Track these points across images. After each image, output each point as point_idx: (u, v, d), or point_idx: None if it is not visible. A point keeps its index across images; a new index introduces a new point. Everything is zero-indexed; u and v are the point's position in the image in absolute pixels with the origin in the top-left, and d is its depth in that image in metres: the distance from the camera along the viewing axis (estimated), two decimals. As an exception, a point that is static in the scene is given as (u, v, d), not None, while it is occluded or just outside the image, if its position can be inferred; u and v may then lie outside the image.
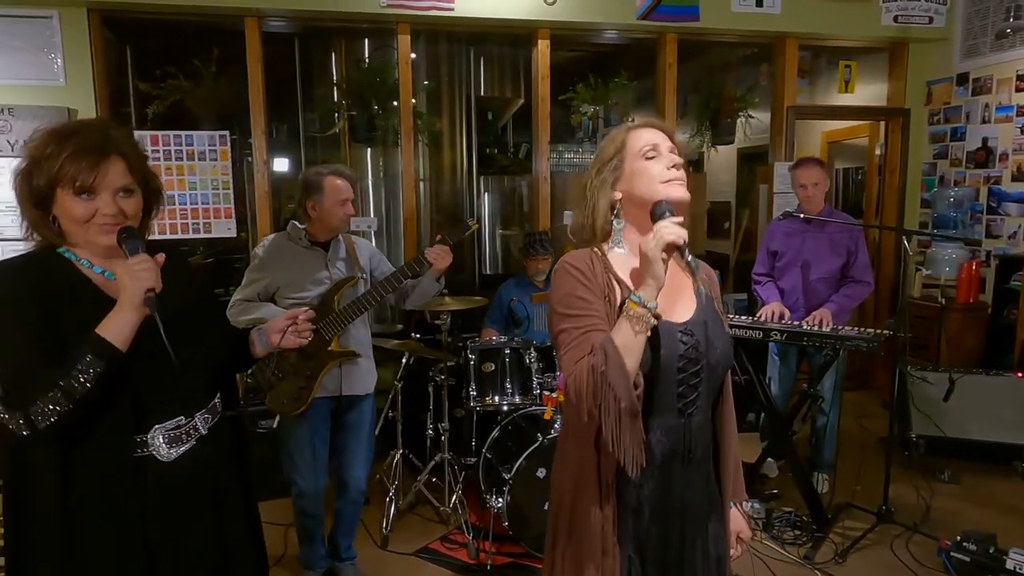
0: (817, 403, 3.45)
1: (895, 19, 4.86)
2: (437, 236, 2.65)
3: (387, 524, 3.22)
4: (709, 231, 7.14)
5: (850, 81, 5.22)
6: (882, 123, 5.39)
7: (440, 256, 2.60)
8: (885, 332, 3.09)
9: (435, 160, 5.69)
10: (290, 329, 1.62)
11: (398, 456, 3.41)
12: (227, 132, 4.32)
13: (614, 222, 1.44)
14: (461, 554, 3.08)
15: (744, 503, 1.63)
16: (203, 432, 1.47)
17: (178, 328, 1.35)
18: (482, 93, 6.01)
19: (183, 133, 4.24)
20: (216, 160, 4.30)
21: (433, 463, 3.36)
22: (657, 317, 1.32)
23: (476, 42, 5.54)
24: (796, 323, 3.32)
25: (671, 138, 1.42)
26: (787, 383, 3.72)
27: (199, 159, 4.27)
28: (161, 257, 1.38)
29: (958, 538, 2.90)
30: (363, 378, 2.73)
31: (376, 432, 3.61)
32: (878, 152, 5.48)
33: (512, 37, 4.76)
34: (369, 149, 5.34)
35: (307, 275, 2.62)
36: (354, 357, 2.65)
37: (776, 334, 3.23)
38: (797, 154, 6.53)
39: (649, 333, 1.27)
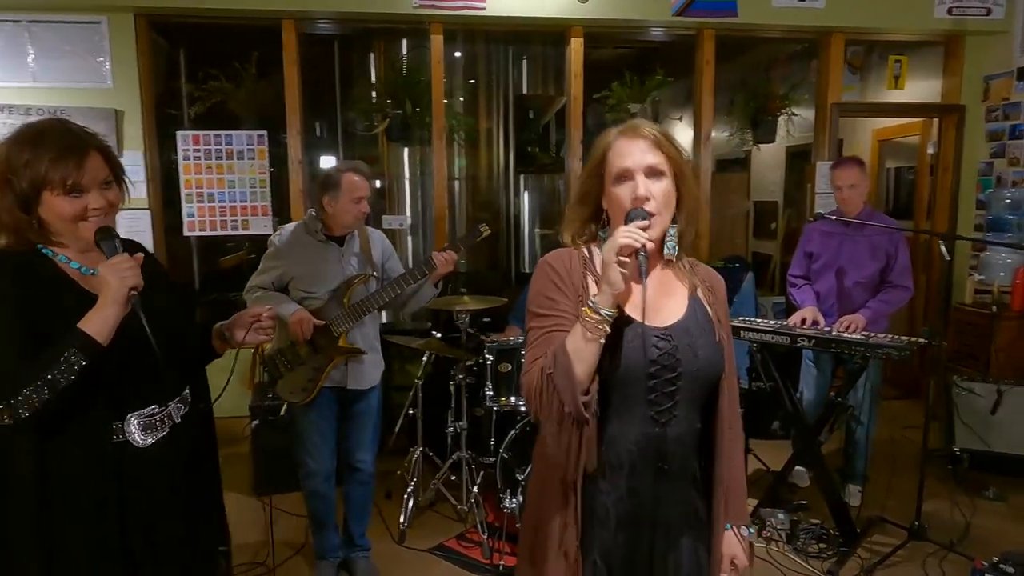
0: (846, 412, 3.32)
1: (949, 11, 4.63)
2: (445, 243, 2.66)
3: (405, 520, 3.26)
4: (755, 231, 6.97)
5: (900, 77, 4.99)
6: (935, 120, 5.14)
7: (446, 262, 2.64)
8: (919, 340, 2.95)
9: (472, 158, 5.72)
10: (254, 326, 1.65)
11: (418, 453, 3.44)
12: (265, 132, 4.44)
13: (600, 232, 1.42)
14: (475, 553, 3.09)
15: (744, 528, 1.51)
16: (176, 421, 1.52)
17: (156, 321, 1.40)
18: (524, 91, 6.01)
19: (223, 133, 4.39)
20: (254, 159, 4.43)
21: (451, 461, 3.38)
22: (620, 322, 1.29)
23: (517, 41, 5.53)
24: (827, 329, 3.21)
25: (658, 146, 1.33)
26: (821, 390, 3.59)
27: (238, 158, 4.41)
28: (140, 256, 1.42)
29: (995, 559, 2.75)
30: (368, 373, 2.76)
31: (397, 428, 3.68)
32: (930, 151, 5.23)
33: (554, 35, 4.72)
34: (406, 148, 5.41)
35: (320, 268, 2.67)
36: (359, 354, 2.69)
37: (804, 340, 3.12)
38: (845, 152, 6.36)
39: (603, 340, 1.23)
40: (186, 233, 4.42)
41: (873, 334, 3.09)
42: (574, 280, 1.37)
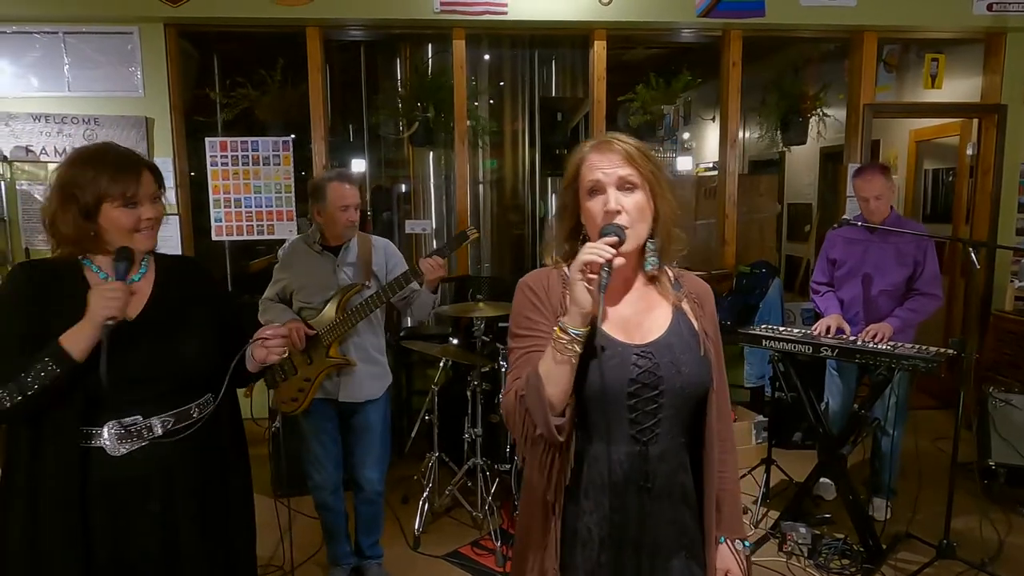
0: (871, 425, 3.22)
1: (989, 7, 4.46)
2: (432, 249, 2.66)
3: (420, 525, 3.27)
4: (789, 234, 6.82)
5: (937, 76, 4.83)
6: (975, 121, 4.96)
7: (432, 268, 2.58)
8: (948, 351, 2.85)
9: (498, 161, 5.71)
10: (262, 344, 1.65)
11: (434, 459, 3.45)
12: (290, 138, 4.50)
13: (581, 249, 1.40)
14: (489, 560, 3.08)
15: (738, 541, 1.48)
16: (158, 433, 1.54)
17: (159, 329, 1.53)
18: (553, 94, 5.98)
19: (249, 139, 4.46)
20: (279, 165, 4.49)
21: (467, 467, 3.38)
22: (598, 340, 1.27)
23: (544, 43, 5.50)
24: (852, 338, 3.11)
25: (630, 159, 1.31)
26: (846, 400, 3.49)
27: (263, 164, 4.48)
28: (130, 288, 1.53)
29: (1028, 581, 2.64)
30: (362, 385, 2.69)
31: (414, 433, 3.69)
32: (970, 152, 5.04)
33: (581, 38, 4.68)
34: (432, 152, 5.44)
35: (317, 279, 2.68)
36: (348, 365, 2.65)
37: (827, 350, 3.04)
38: (882, 154, 6.19)
39: (575, 361, 1.21)
40: (214, 237, 4.51)
41: (900, 344, 2.99)
42: (552, 300, 1.35)
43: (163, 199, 1.63)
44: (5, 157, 4.15)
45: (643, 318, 1.37)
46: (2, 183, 4.18)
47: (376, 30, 4.53)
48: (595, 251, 1.19)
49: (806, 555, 3.08)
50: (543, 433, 1.21)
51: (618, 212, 1.28)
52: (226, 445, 1.70)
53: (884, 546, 3.09)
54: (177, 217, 4.36)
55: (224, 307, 1.79)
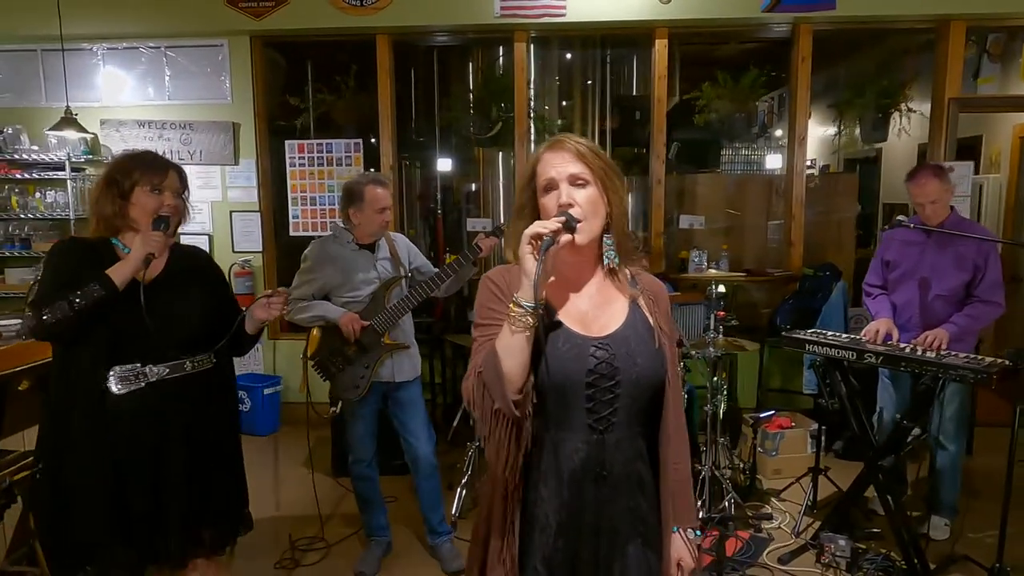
0: (918, 438, 3.05)
1: (1097, -10, 4.07)
2: (489, 230, 2.92)
3: (457, 510, 3.41)
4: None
5: (1037, 66, 4.45)
6: (1083, 114, 4.53)
7: (489, 246, 2.86)
8: (1002, 362, 2.66)
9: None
10: (262, 302, 2.05)
11: (474, 448, 3.58)
12: (360, 140, 4.77)
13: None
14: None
15: (690, 530, 1.50)
16: (151, 380, 1.89)
17: (166, 296, 1.91)
18: (633, 92, 5.97)
19: (323, 141, 4.77)
20: (351, 165, 4.77)
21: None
22: (556, 331, 1.34)
23: (616, 43, 5.50)
24: (903, 344, 2.97)
25: (581, 157, 1.36)
26: (900, 410, 3.32)
27: (336, 164, 4.77)
28: (169, 236, 1.96)
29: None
30: (410, 365, 2.95)
31: (455, 422, 3.84)
32: (1076, 149, 4.61)
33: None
34: (500, 152, 5.58)
35: (357, 275, 2.87)
36: (405, 348, 2.89)
37: (872, 356, 2.91)
38: (984, 151, 5.73)
39: (529, 333, 1.26)
40: (292, 233, 4.85)
41: (950, 353, 2.82)
42: (513, 292, 1.41)
43: (187, 201, 2.03)
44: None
45: (600, 312, 1.42)
46: (113, 182, 4.70)
47: (439, 35, 4.72)
48: (541, 225, 1.27)
49: (844, 568, 2.97)
50: (500, 408, 1.27)
51: (570, 205, 1.34)
52: (215, 398, 2.06)
53: (933, 566, 2.93)
54: (259, 214, 4.74)
55: (222, 291, 2.18)
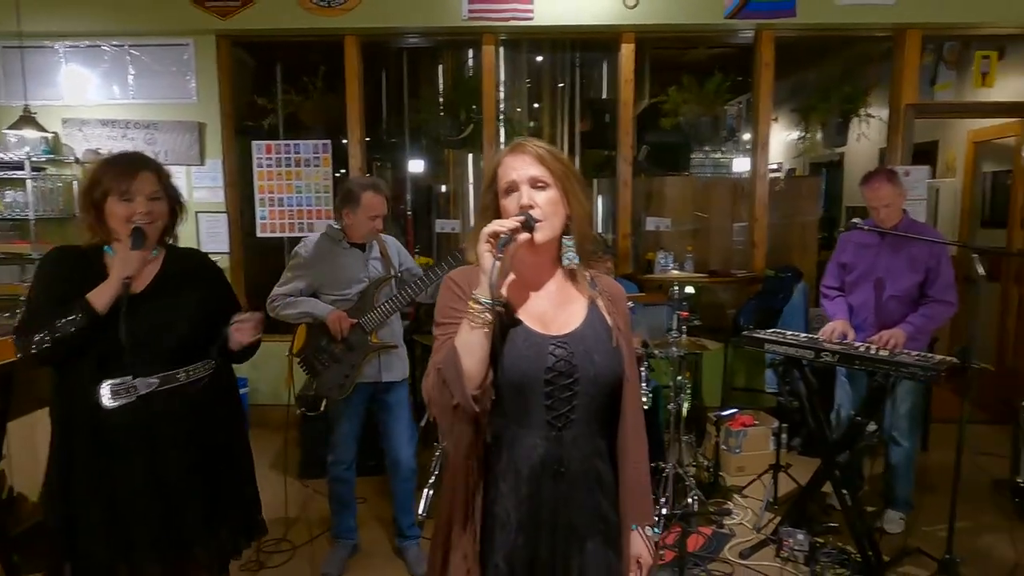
0: (872, 434, 3.14)
1: (1045, 1, 4.23)
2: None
3: (423, 510, 3.41)
4: (844, 238, 6.61)
5: (989, 74, 4.60)
6: (1032, 121, 4.69)
7: None
8: (951, 360, 2.76)
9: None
10: (236, 326, 1.98)
11: (441, 448, 3.58)
12: (328, 141, 4.75)
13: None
14: (485, 547, 3.19)
15: (648, 528, 1.54)
16: (141, 393, 1.82)
17: (153, 307, 1.85)
18: (603, 95, 6.03)
19: (291, 142, 4.75)
20: (319, 166, 4.76)
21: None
22: (516, 329, 1.37)
23: (586, 47, 5.56)
24: (858, 343, 3.05)
25: (541, 160, 1.40)
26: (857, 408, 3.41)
27: (304, 165, 4.75)
28: (147, 254, 1.86)
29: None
30: (398, 365, 2.97)
31: (422, 423, 3.84)
32: (1026, 154, 4.78)
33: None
34: (471, 154, 5.60)
35: (348, 274, 2.89)
36: (392, 348, 2.91)
37: (828, 355, 2.99)
38: (940, 156, 5.91)
39: (487, 330, 1.29)
40: (259, 234, 4.82)
41: (903, 351, 2.91)
42: (474, 292, 1.45)
43: (180, 205, 1.96)
44: (78, 159, 4.59)
45: (560, 311, 1.45)
46: (75, 183, 4.62)
47: (408, 37, 4.73)
48: (498, 223, 1.31)
49: (802, 562, 3.04)
50: (460, 403, 1.29)
51: (531, 207, 1.37)
52: (217, 407, 2.00)
53: (887, 559, 3.01)
54: (226, 214, 4.70)
55: (220, 293, 2.07)
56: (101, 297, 1.76)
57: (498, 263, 1.28)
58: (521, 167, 1.40)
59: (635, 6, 4.31)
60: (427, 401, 1.37)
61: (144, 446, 1.84)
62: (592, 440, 1.44)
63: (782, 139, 7.09)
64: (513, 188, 1.40)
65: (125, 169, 1.83)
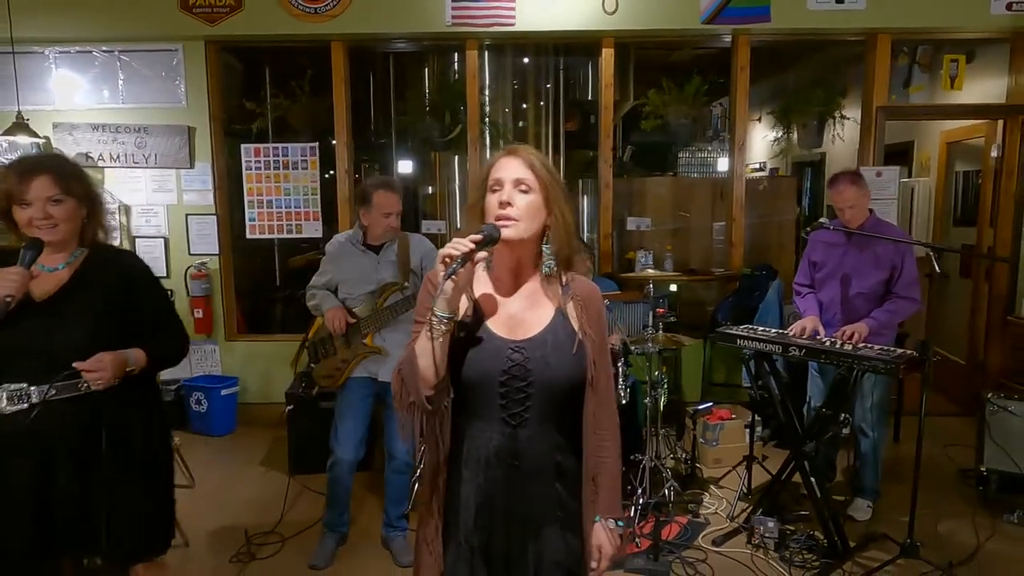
0: (837, 424, 3.27)
1: (1008, 7, 4.37)
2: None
3: (409, 503, 3.52)
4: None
5: (957, 77, 4.75)
6: (1000, 122, 4.84)
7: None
8: (911, 353, 2.89)
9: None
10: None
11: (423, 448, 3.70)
12: (316, 144, 4.85)
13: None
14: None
15: (611, 520, 1.62)
16: (35, 400, 1.80)
17: (53, 315, 1.83)
18: (589, 97, 6.13)
19: (279, 145, 4.84)
20: (307, 169, 4.85)
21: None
22: (480, 334, 1.47)
23: (570, 50, 5.65)
24: (822, 339, 3.18)
25: (530, 167, 1.48)
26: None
27: (293, 168, 4.85)
28: (34, 272, 1.83)
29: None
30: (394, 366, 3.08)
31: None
32: (994, 154, 4.92)
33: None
34: (456, 156, 5.70)
35: (359, 275, 3.01)
36: (378, 354, 2.98)
37: (795, 350, 3.12)
38: (916, 156, 6.06)
39: (442, 340, 1.39)
40: (248, 236, 4.91)
41: (866, 345, 3.05)
42: None
43: (95, 203, 1.92)
44: (68, 162, 4.66)
45: (526, 316, 1.53)
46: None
47: (393, 42, 4.83)
48: (453, 246, 1.38)
49: (772, 548, 3.17)
50: (415, 401, 1.41)
51: (509, 204, 1.46)
52: (120, 417, 1.91)
53: (853, 543, 3.15)
54: (215, 217, 4.79)
55: (137, 302, 1.98)
56: None
57: (450, 282, 1.36)
58: (510, 168, 1.48)
59: (615, 12, 4.42)
60: (394, 394, 1.48)
61: (33, 452, 1.82)
62: (550, 437, 1.52)
63: (767, 139, 7.24)
64: (498, 185, 1.48)
65: (21, 175, 1.81)
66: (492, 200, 1.48)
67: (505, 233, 1.44)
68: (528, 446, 1.49)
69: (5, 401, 1.79)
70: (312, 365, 3.14)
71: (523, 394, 1.47)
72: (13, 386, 1.79)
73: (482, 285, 1.55)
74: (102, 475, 1.88)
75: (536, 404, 1.48)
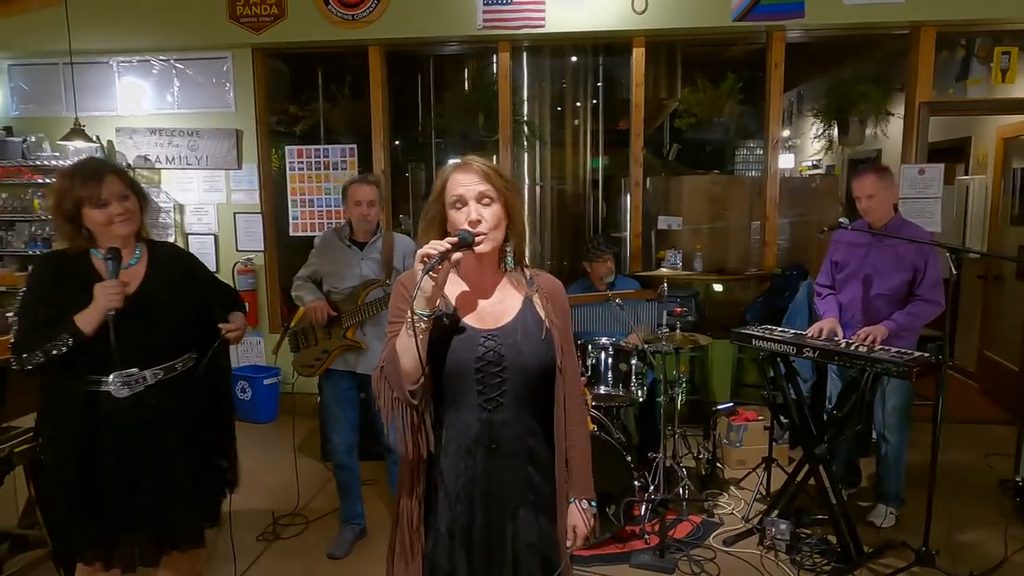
0: (851, 427, 3.20)
1: (1062, -4, 4.16)
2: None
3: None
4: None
5: (1009, 70, 4.53)
6: (1057, 117, 4.60)
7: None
8: (927, 356, 2.82)
9: (558, 165, 5.93)
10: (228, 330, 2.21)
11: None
12: (355, 145, 5.04)
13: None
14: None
15: (584, 501, 1.71)
16: (150, 383, 2.00)
17: (144, 314, 1.97)
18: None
19: (320, 147, 5.06)
20: (346, 169, 5.05)
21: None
22: (455, 326, 1.57)
23: (609, 50, 5.65)
24: (838, 340, 3.13)
25: (487, 178, 1.55)
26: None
27: (333, 168, 5.06)
28: (124, 284, 1.96)
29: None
30: (375, 361, 3.18)
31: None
32: (1051, 151, 4.68)
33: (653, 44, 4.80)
34: (494, 155, 5.78)
35: (343, 269, 3.13)
36: (356, 349, 3.11)
37: (809, 351, 3.09)
38: (972, 153, 5.80)
39: (421, 336, 1.47)
40: (291, 234, 5.15)
41: (881, 348, 2.98)
42: None
43: (144, 197, 2.07)
44: (129, 165, 5.01)
45: (496, 308, 1.64)
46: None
47: (428, 46, 4.97)
48: (430, 247, 1.47)
49: (783, 551, 3.15)
50: (399, 396, 1.50)
51: (479, 222, 1.54)
52: (204, 393, 2.17)
53: (869, 549, 3.09)
54: (260, 215, 5.05)
55: (203, 281, 2.24)
56: (89, 323, 1.88)
57: (429, 280, 1.45)
58: (469, 183, 1.54)
59: (644, 11, 4.43)
60: (375, 391, 1.57)
61: (148, 428, 2.01)
62: (524, 421, 1.61)
63: (824, 136, 7.03)
64: (462, 202, 1.55)
65: (91, 176, 1.91)
66: (458, 217, 1.55)
67: (480, 249, 1.52)
68: (504, 430, 1.58)
69: (119, 386, 1.96)
70: (292, 353, 3.25)
71: (498, 379, 1.56)
72: (125, 372, 1.96)
73: (452, 283, 1.65)
74: (202, 436, 2.14)
75: (511, 388, 1.56)
